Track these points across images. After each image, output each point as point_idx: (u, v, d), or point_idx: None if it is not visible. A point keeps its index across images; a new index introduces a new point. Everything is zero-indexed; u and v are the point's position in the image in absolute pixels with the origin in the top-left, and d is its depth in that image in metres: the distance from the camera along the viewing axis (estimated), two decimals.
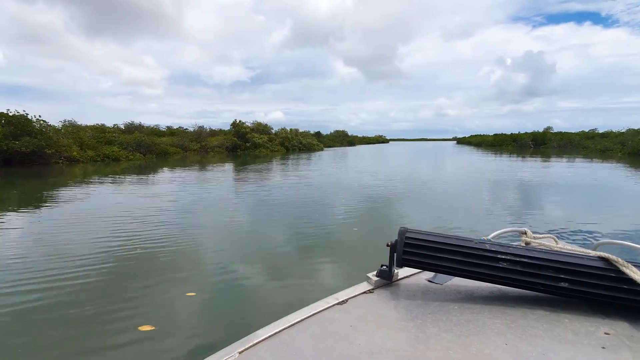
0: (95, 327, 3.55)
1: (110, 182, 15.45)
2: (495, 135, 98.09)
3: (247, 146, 50.00)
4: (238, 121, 53.42)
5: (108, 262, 5.34)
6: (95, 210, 9.11)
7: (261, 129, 58.21)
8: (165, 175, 19.00)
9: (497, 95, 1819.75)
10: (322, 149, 64.13)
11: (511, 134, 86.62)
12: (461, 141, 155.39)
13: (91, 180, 16.07)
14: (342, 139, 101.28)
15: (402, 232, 1.14)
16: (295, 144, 60.26)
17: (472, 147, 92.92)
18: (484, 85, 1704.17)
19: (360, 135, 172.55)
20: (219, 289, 4.46)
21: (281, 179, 16.87)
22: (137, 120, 57.66)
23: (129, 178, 17.39)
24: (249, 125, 55.09)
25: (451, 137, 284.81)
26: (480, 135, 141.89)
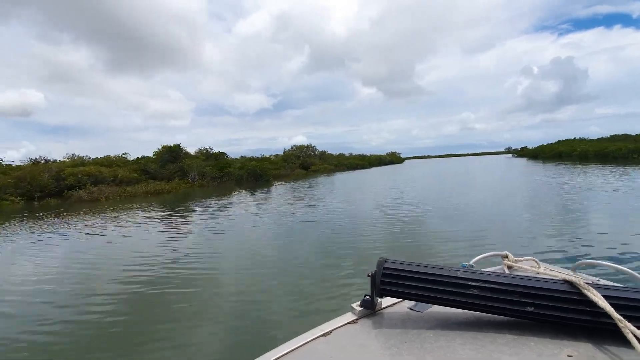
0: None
1: None
2: None
3: None
4: None
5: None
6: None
7: None
8: None
9: (526, 105, 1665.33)
10: None
11: None
12: (544, 152, 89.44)
13: None
14: (266, 162, 43.65)
15: (381, 262, 1.16)
16: None
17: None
18: (510, 96, 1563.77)
19: (370, 153, 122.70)
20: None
21: None
22: None
23: None
24: None
25: (504, 150, 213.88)
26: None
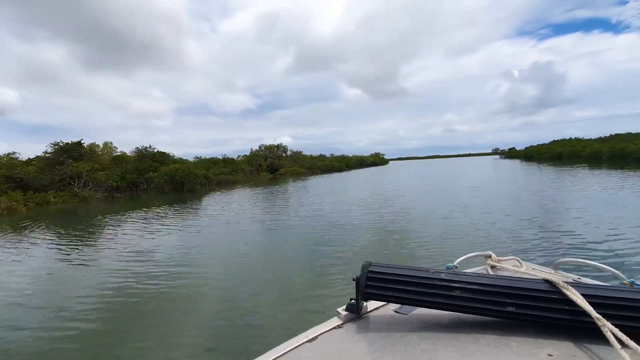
0: None
1: None
2: None
3: None
4: None
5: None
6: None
7: None
8: None
9: (508, 108, 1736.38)
10: None
11: None
12: (539, 153, 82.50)
13: None
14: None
15: (365, 266, 1.15)
16: None
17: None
18: (492, 99, 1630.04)
19: (358, 154, 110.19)
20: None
21: None
22: None
23: None
24: None
25: (490, 151, 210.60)
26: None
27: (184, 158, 53.04)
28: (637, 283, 1.11)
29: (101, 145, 48.08)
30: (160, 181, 27.11)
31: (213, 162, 55.07)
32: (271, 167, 60.46)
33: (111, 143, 48.36)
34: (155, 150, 44.44)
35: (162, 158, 42.40)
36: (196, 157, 57.09)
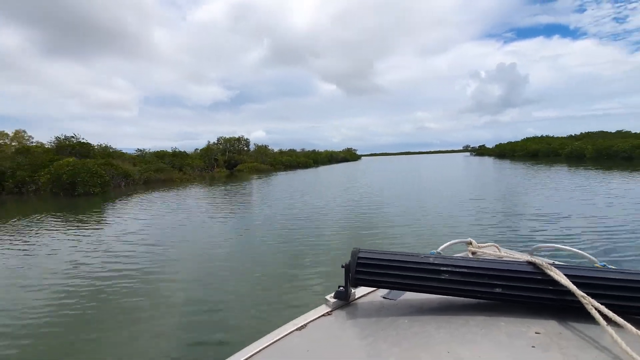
0: None
1: None
2: None
3: None
4: None
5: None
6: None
7: None
8: None
9: (475, 107, 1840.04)
10: None
11: None
12: (514, 151, 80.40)
13: None
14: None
15: (355, 252, 1.16)
16: None
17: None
18: (461, 98, 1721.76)
19: (332, 149, 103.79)
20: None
21: None
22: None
23: None
24: None
25: (462, 148, 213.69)
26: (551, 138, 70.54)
27: (126, 152, 44.86)
28: (609, 266, 1.13)
29: (11, 134, 39.06)
30: (44, 181, 19.64)
31: (160, 155, 47.12)
32: (230, 163, 53.41)
33: (24, 131, 39.38)
34: (78, 140, 36.23)
35: (85, 150, 34.39)
36: (138, 150, 48.79)
